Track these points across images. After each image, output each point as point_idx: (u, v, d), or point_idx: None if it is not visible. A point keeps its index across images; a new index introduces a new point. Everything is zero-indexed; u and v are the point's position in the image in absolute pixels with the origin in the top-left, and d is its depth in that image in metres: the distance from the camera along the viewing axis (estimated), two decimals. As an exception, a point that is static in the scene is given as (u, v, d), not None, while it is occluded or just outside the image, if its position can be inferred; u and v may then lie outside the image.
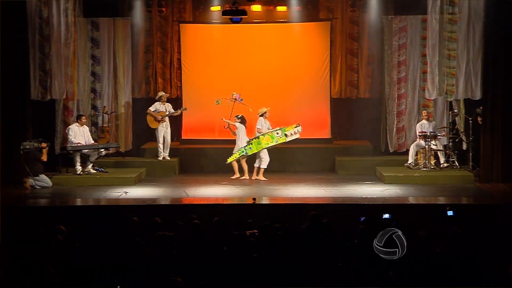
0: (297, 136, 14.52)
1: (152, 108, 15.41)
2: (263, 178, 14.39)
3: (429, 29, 14.09)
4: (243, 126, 14.56)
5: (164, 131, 15.29)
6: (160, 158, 15.36)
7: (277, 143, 14.45)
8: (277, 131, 14.42)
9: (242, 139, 14.47)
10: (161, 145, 15.33)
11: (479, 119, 14.21)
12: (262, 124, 14.56)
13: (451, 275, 6.65)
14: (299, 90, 16.46)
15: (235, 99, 15.25)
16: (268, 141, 14.39)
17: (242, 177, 14.46)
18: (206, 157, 15.87)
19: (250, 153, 14.39)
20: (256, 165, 14.48)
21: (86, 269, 6.83)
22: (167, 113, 15.34)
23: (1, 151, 13.63)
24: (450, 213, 9.48)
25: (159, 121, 15.33)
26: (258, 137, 14.40)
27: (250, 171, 14.54)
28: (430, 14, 13.95)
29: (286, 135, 14.42)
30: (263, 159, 14.42)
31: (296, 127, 14.53)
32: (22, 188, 13.50)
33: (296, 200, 12.42)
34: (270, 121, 14.87)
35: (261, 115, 14.60)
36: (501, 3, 13.39)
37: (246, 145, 14.37)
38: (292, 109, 16.45)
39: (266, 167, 14.46)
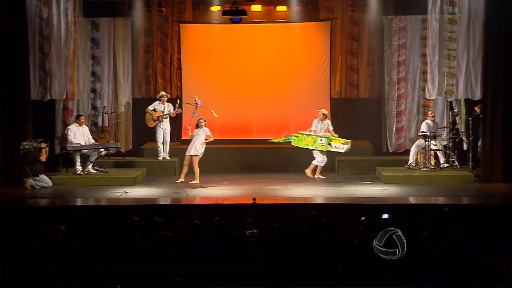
0: (342, 151, 14.34)
1: (151, 107, 15.44)
2: (320, 176, 14.35)
3: (429, 29, 14.08)
4: (197, 130, 14.12)
5: (162, 131, 15.29)
6: (160, 158, 15.37)
7: (316, 148, 14.33)
8: (322, 138, 14.26)
9: (196, 141, 14.04)
10: (160, 145, 15.34)
11: (478, 111, 14.24)
12: (316, 125, 14.57)
13: (451, 275, 6.65)
14: (299, 90, 16.44)
15: (197, 103, 15.06)
16: (308, 143, 14.32)
17: (193, 181, 14.02)
18: (206, 157, 15.83)
19: (293, 144, 14.48)
20: (314, 162, 14.42)
21: (86, 269, 6.83)
22: (164, 113, 15.35)
23: (1, 151, 13.66)
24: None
25: (155, 120, 15.36)
26: (303, 134, 14.39)
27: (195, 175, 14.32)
28: (430, 14, 13.94)
29: (330, 145, 14.28)
30: (317, 158, 14.39)
31: (344, 144, 14.32)
32: (22, 188, 13.49)
33: (296, 200, 12.41)
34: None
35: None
36: (501, 3, 13.39)
37: (293, 135, 14.47)
38: (292, 109, 16.46)
39: (323, 165, 14.41)
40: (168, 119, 15.40)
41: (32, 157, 13.60)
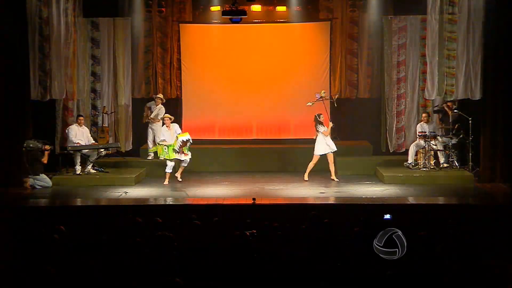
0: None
1: (148, 104, 15.63)
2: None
3: (428, 29, 14.07)
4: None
5: (152, 131, 15.31)
6: (149, 158, 15.34)
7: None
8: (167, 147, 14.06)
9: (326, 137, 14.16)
10: (150, 144, 15.33)
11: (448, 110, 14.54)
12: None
13: (451, 275, 6.65)
14: (299, 90, 16.44)
15: (321, 97, 14.74)
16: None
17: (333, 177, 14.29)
18: (206, 157, 15.86)
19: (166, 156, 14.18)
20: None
21: (85, 269, 6.83)
22: (151, 115, 15.42)
23: (1, 151, 13.65)
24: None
25: (145, 119, 15.50)
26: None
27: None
28: (430, 14, 13.93)
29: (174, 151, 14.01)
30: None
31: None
32: (22, 188, 13.50)
33: (296, 200, 12.41)
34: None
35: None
36: (501, 3, 13.39)
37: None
38: (292, 109, 16.45)
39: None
40: (160, 122, 15.29)
41: (34, 157, 13.61)
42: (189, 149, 14.05)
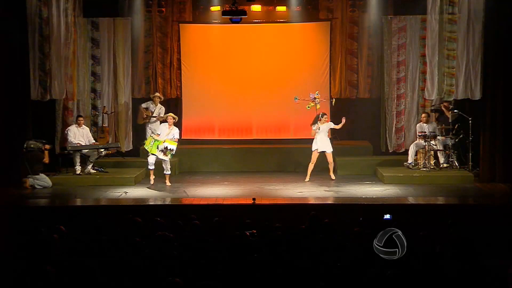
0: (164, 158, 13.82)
1: (144, 105, 15.57)
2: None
3: (428, 29, 14.07)
4: (323, 126, 14.27)
5: (151, 131, 15.29)
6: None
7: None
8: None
9: (324, 136, 14.26)
10: None
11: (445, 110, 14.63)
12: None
13: (451, 275, 6.65)
14: (299, 90, 16.42)
15: (315, 98, 14.73)
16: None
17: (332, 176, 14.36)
18: (206, 157, 15.87)
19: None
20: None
21: (85, 269, 6.83)
22: (153, 114, 15.40)
23: (1, 151, 13.65)
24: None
25: (144, 119, 15.46)
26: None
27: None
28: (429, 14, 13.93)
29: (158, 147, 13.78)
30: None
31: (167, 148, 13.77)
32: (22, 188, 13.50)
33: (296, 200, 12.41)
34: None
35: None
36: (501, 3, 13.39)
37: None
38: (292, 109, 16.44)
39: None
40: (158, 121, 15.28)
41: (34, 157, 13.62)
42: (171, 154, 13.91)
